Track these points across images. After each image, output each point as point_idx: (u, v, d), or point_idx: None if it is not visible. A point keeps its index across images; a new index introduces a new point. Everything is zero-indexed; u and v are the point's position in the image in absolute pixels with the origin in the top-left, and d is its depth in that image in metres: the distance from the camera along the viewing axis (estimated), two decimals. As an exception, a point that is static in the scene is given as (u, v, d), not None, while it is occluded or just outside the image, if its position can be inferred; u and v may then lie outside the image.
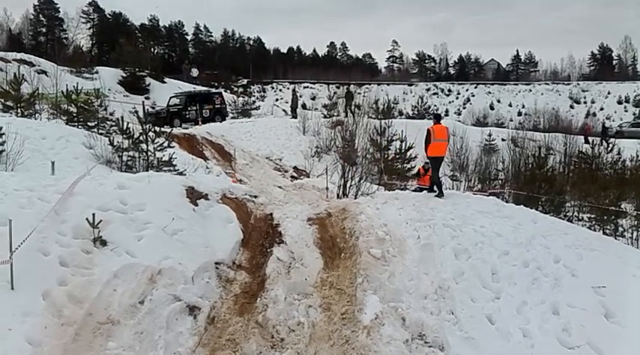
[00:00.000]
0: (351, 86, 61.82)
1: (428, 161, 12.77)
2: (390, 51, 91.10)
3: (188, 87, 38.87)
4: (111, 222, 7.47)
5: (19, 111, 16.27)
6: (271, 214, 9.84)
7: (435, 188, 11.21)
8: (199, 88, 36.38)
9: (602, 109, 66.64)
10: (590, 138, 29.68)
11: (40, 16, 66.91)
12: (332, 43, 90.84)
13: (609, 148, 25.27)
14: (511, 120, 60.40)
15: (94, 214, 7.15)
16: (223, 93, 29.99)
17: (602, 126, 38.62)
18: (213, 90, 32.16)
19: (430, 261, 8.17)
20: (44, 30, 66.42)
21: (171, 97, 28.22)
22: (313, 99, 64.11)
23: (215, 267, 7.79)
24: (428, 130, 11.16)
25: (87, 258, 6.85)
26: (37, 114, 16.82)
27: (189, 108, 26.12)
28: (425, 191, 11.84)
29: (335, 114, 29.63)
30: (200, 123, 25.31)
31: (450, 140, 11.44)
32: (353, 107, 28.25)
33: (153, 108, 26.12)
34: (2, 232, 6.21)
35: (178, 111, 25.35)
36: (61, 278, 6.40)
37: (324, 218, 9.66)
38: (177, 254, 7.48)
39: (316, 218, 9.65)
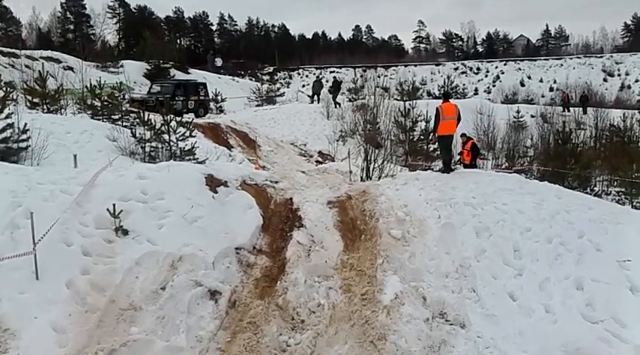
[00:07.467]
0: (378, 68, 61.62)
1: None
2: (417, 31, 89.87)
3: (213, 76, 39.03)
4: (132, 212, 7.61)
5: (44, 107, 16.62)
6: (291, 199, 9.88)
7: (444, 166, 11.25)
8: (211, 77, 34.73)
9: (637, 81, 64.38)
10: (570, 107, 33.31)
11: (68, 13, 67.90)
12: (357, 26, 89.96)
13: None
14: (542, 96, 59.03)
15: (114, 204, 7.29)
16: (207, 84, 28.29)
17: (581, 96, 39.14)
18: (199, 80, 30.29)
19: (451, 240, 8.12)
20: (72, 27, 67.45)
21: (153, 84, 26.68)
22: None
23: (235, 252, 7.89)
24: (437, 109, 11.06)
25: (109, 247, 7.01)
26: (62, 110, 17.14)
27: (176, 99, 24.26)
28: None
29: (360, 97, 29.39)
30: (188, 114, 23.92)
31: (460, 119, 11.20)
32: (339, 98, 28.05)
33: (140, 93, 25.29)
34: (25, 224, 6.40)
35: (166, 100, 23.75)
36: (84, 267, 6.56)
37: (344, 201, 9.65)
38: (197, 240, 7.59)
39: (336, 201, 9.66)
